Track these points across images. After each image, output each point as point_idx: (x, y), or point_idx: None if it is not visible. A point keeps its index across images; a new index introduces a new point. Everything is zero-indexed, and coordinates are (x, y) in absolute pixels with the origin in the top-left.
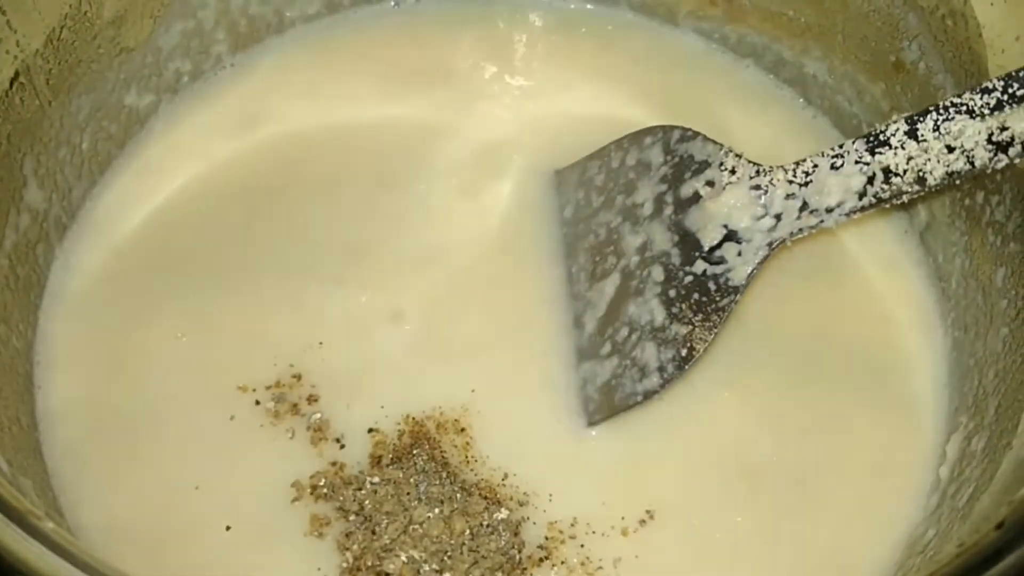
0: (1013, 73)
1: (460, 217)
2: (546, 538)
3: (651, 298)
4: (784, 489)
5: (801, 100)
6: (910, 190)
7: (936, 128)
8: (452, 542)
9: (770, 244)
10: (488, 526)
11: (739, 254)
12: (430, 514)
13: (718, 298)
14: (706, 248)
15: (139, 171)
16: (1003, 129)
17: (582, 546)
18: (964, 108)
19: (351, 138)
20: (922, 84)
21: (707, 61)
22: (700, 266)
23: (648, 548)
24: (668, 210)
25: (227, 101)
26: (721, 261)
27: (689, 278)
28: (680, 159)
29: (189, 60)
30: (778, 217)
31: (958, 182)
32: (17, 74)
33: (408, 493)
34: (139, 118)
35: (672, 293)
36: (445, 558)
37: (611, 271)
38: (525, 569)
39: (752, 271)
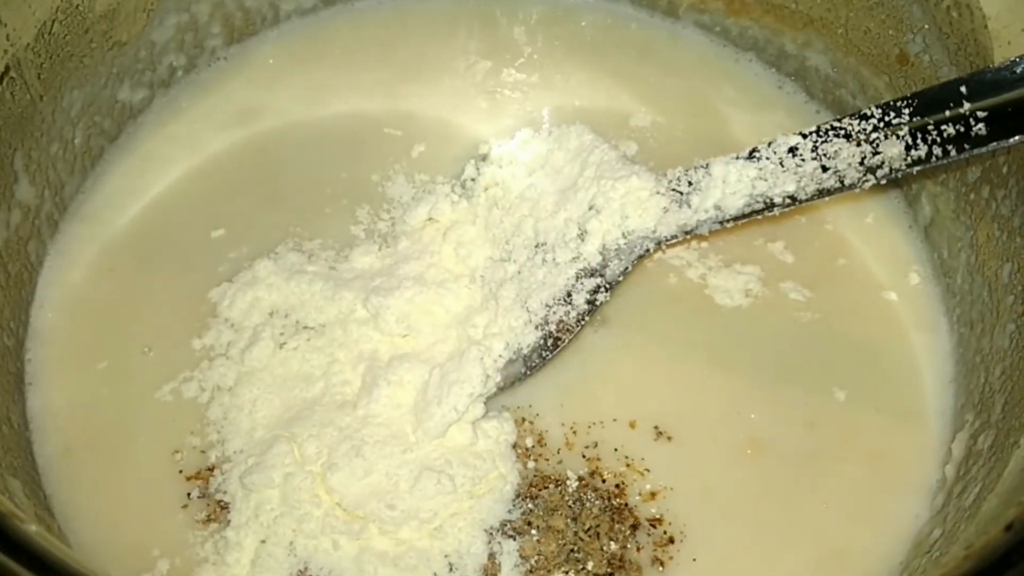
0: (890, 102)
1: (455, 213)
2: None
3: (537, 287)
4: (786, 480)
5: (804, 94)
6: (781, 203)
7: (815, 149)
8: (570, 538)
9: (646, 248)
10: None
11: (619, 252)
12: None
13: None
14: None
15: (132, 166)
16: (875, 153)
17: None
18: (842, 132)
19: (347, 132)
20: (927, 77)
21: (708, 55)
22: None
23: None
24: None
25: (221, 95)
26: (604, 259)
27: (570, 272)
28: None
29: (183, 54)
30: (659, 221)
31: (826, 198)
32: (8, 68)
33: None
34: (132, 112)
35: (554, 286)
36: (572, 556)
37: (509, 260)
38: (625, 506)
39: (627, 268)
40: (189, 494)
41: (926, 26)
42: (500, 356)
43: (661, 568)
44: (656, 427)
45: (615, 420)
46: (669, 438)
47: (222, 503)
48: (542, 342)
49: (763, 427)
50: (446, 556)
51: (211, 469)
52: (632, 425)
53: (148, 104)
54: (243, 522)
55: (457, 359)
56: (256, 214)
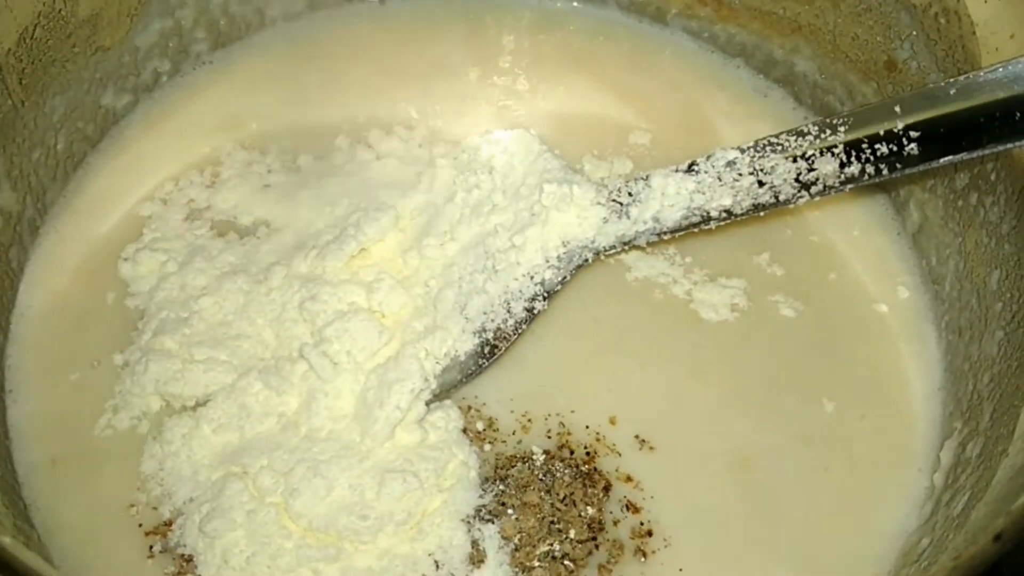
0: (827, 119)
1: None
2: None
3: (476, 294)
4: (772, 492)
5: (792, 100)
6: (717, 217)
7: (752, 164)
8: (547, 511)
9: (585, 258)
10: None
11: (558, 261)
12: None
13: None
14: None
15: (115, 172)
16: (811, 170)
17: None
18: (779, 147)
19: (333, 138)
20: (914, 83)
21: (696, 61)
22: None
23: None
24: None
25: (206, 100)
26: (543, 267)
27: (509, 279)
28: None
29: (168, 59)
30: (599, 231)
31: (761, 213)
32: None
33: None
34: (115, 118)
35: (493, 293)
36: (553, 527)
37: (452, 265)
38: (595, 470)
39: (565, 277)
40: (152, 547)
41: (914, 33)
42: (438, 362)
43: (643, 559)
44: (638, 436)
45: (599, 432)
46: (652, 448)
47: (185, 556)
48: (479, 349)
49: (751, 437)
50: (430, 555)
51: (168, 524)
52: (613, 442)
53: (132, 109)
54: (213, 573)
55: (393, 360)
56: (243, 225)
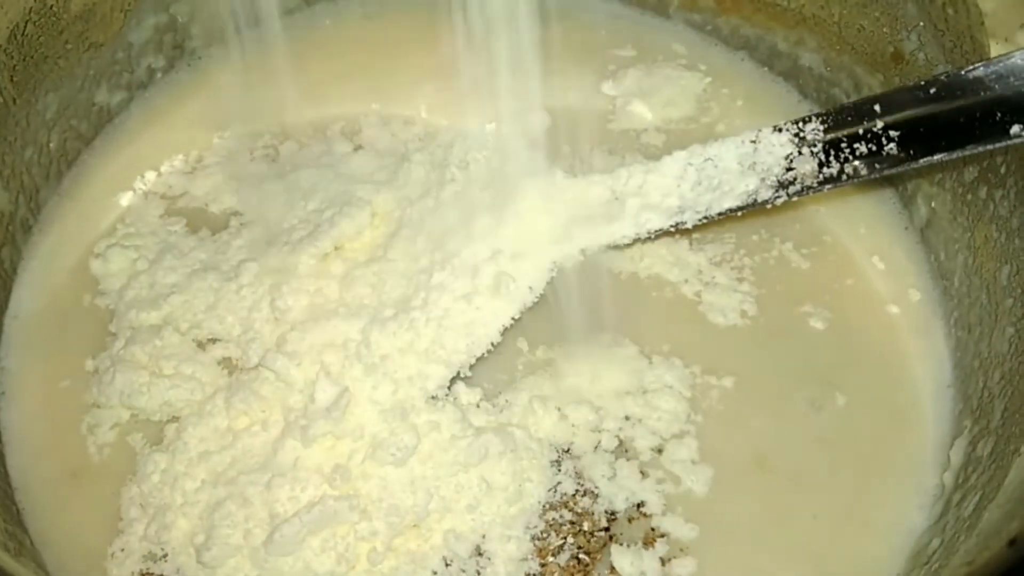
0: (806, 117)
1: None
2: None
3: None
4: (783, 493)
5: (796, 94)
6: (692, 218)
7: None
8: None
9: (568, 258)
10: None
11: (539, 261)
12: None
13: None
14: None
15: (110, 170)
16: (789, 170)
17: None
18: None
19: (330, 134)
20: (922, 75)
21: (699, 54)
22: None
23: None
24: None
25: (201, 97)
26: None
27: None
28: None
29: (162, 55)
30: (581, 230)
31: (739, 213)
32: None
33: None
34: (109, 115)
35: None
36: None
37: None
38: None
39: (550, 278)
40: None
41: (921, 23)
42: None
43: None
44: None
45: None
46: (663, 446)
47: None
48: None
49: (759, 439)
50: (438, 551)
51: (163, 558)
52: (621, 442)
53: (126, 106)
54: None
55: (367, 356)
56: (242, 223)
